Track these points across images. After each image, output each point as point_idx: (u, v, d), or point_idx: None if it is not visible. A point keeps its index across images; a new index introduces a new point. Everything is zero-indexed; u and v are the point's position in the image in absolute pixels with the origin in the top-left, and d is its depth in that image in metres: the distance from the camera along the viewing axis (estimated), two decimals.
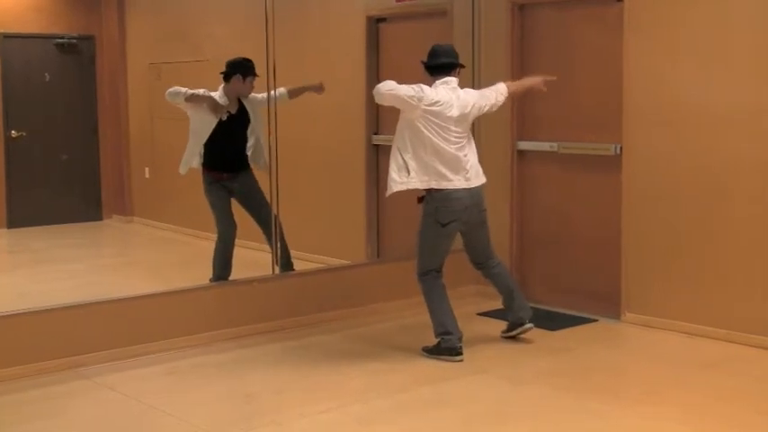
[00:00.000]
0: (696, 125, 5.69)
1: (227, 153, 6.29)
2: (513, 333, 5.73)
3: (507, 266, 6.78)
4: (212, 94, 6.15)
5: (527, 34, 6.68)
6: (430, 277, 5.45)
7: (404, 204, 5.50)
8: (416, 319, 5.94)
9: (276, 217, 6.34)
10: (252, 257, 6.59)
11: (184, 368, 5.26)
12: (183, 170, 6.35)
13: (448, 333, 5.35)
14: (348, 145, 7.73)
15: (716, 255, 5.65)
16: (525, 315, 5.70)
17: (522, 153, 6.74)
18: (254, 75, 6.25)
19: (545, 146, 6.57)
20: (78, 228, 9.53)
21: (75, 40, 9.69)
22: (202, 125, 6.16)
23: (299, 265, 6.58)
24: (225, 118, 6.16)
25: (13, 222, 9.32)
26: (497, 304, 6.64)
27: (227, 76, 6.19)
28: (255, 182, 6.44)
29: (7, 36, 9.30)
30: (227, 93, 6.19)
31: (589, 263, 6.43)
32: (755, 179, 5.45)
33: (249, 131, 6.36)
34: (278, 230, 6.34)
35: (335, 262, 6.97)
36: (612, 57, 6.10)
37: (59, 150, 9.69)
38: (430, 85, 5.35)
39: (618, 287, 6.14)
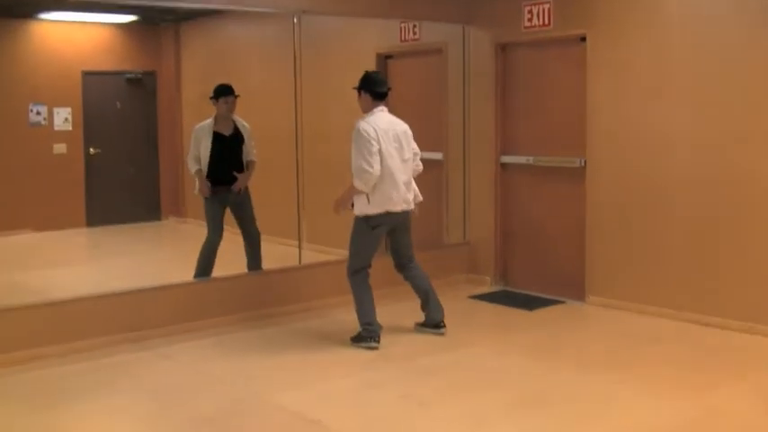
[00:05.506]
0: (643, 143, 5.67)
1: (223, 168, 6.08)
2: (427, 330, 5.29)
3: (493, 258, 6.74)
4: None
5: (508, 69, 6.62)
6: (361, 275, 5.07)
7: None
8: (408, 303, 5.61)
9: (257, 230, 6.18)
10: (280, 252, 6.48)
11: (227, 342, 5.19)
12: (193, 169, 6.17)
13: (370, 324, 5.02)
14: None
15: (662, 247, 5.62)
16: (438, 317, 5.25)
17: (504, 165, 6.67)
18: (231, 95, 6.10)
19: (523, 159, 6.50)
20: (142, 227, 9.59)
21: (140, 76, 9.80)
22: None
23: (324, 258, 6.45)
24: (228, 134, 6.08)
25: (91, 222, 9.47)
26: (486, 289, 6.60)
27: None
28: (248, 197, 6.21)
29: (87, 73, 9.51)
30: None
31: (559, 255, 6.37)
32: (691, 187, 5.43)
33: (243, 151, 6.18)
34: (258, 241, 6.16)
35: None
36: (578, 87, 6.06)
37: (128, 164, 9.79)
38: (368, 108, 5.11)
39: (582, 274, 6.09)
